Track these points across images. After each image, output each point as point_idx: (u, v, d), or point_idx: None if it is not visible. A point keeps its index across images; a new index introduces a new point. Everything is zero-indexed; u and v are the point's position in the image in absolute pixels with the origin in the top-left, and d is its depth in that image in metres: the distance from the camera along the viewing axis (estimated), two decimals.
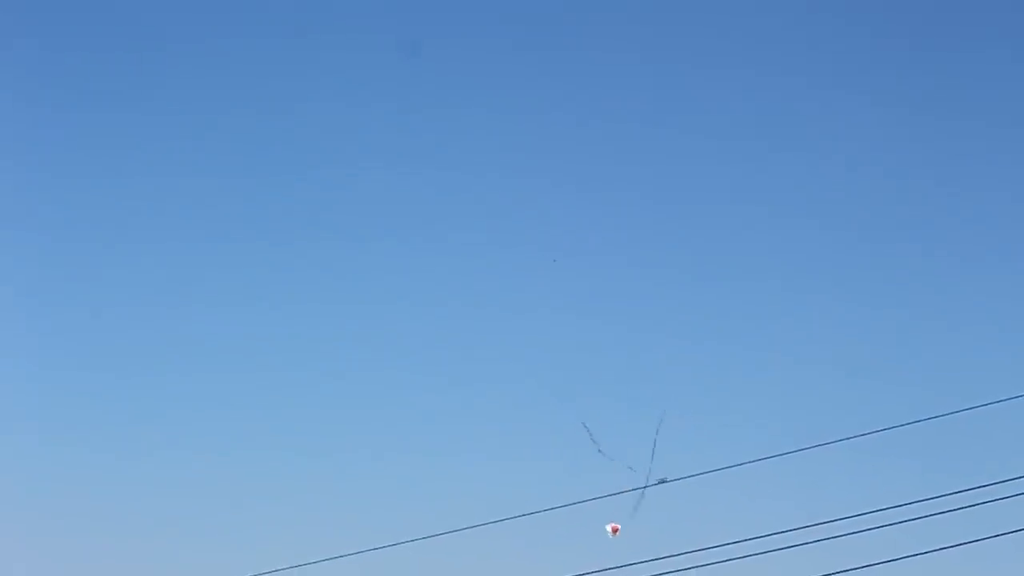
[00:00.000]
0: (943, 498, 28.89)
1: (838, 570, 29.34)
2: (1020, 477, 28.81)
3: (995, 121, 57.93)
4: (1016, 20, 57.30)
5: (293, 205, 60.74)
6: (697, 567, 29.38)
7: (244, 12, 63.05)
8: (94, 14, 63.21)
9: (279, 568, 36.38)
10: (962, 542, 29.09)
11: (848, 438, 31.05)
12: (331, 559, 35.39)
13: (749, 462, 30.89)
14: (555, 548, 37.98)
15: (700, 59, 60.00)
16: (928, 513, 29.06)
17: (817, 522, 29.39)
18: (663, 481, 30.44)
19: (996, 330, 54.24)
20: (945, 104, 59.21)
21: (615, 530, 30.63)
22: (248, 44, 62.97)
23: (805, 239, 57.84)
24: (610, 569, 29.98)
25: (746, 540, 29.45)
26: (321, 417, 58.08)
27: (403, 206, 59.74)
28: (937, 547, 29.10)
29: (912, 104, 58.73)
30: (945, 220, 58.55)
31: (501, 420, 55.84)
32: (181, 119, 62.01)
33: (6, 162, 59.06)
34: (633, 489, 30.20)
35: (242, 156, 62.11)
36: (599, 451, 30.72)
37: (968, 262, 56.89)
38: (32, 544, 53.54)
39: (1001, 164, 57.25)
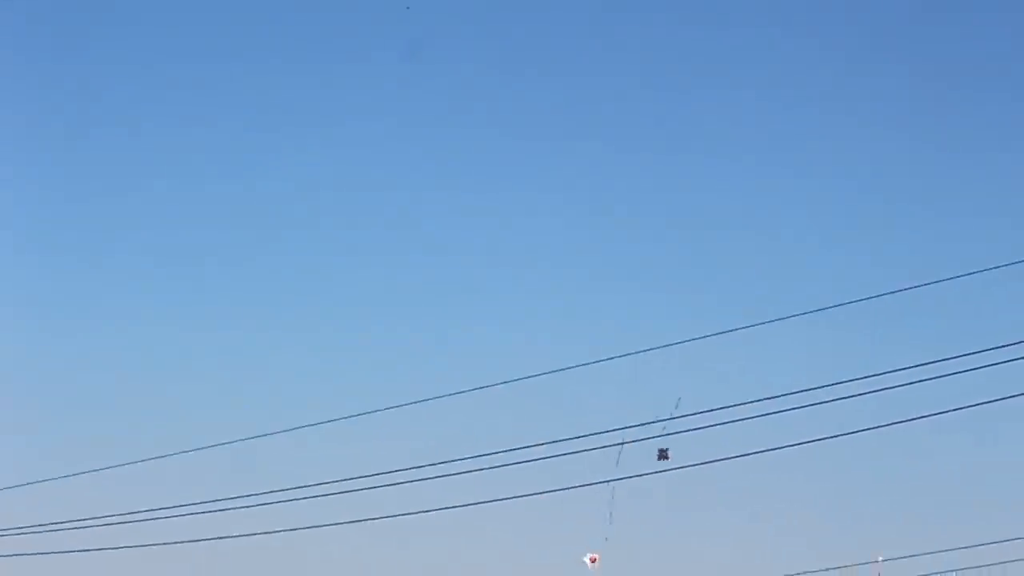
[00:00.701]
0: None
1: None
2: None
3: None
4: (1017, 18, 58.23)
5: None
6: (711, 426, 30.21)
7: (244, 12, 64.36)
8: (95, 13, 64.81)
9: (312, 423, 37.63)
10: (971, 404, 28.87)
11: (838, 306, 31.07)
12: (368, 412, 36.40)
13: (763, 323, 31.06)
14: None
15: (700, 60, 61.00)
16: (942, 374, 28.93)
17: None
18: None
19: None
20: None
21: (593, 560, 33.16)
22: (247, 44, 64.16)
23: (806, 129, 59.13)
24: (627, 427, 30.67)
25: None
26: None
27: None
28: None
29: None
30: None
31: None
32: (180, 120, 63.28)
33: None
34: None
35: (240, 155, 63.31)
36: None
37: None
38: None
39: None
